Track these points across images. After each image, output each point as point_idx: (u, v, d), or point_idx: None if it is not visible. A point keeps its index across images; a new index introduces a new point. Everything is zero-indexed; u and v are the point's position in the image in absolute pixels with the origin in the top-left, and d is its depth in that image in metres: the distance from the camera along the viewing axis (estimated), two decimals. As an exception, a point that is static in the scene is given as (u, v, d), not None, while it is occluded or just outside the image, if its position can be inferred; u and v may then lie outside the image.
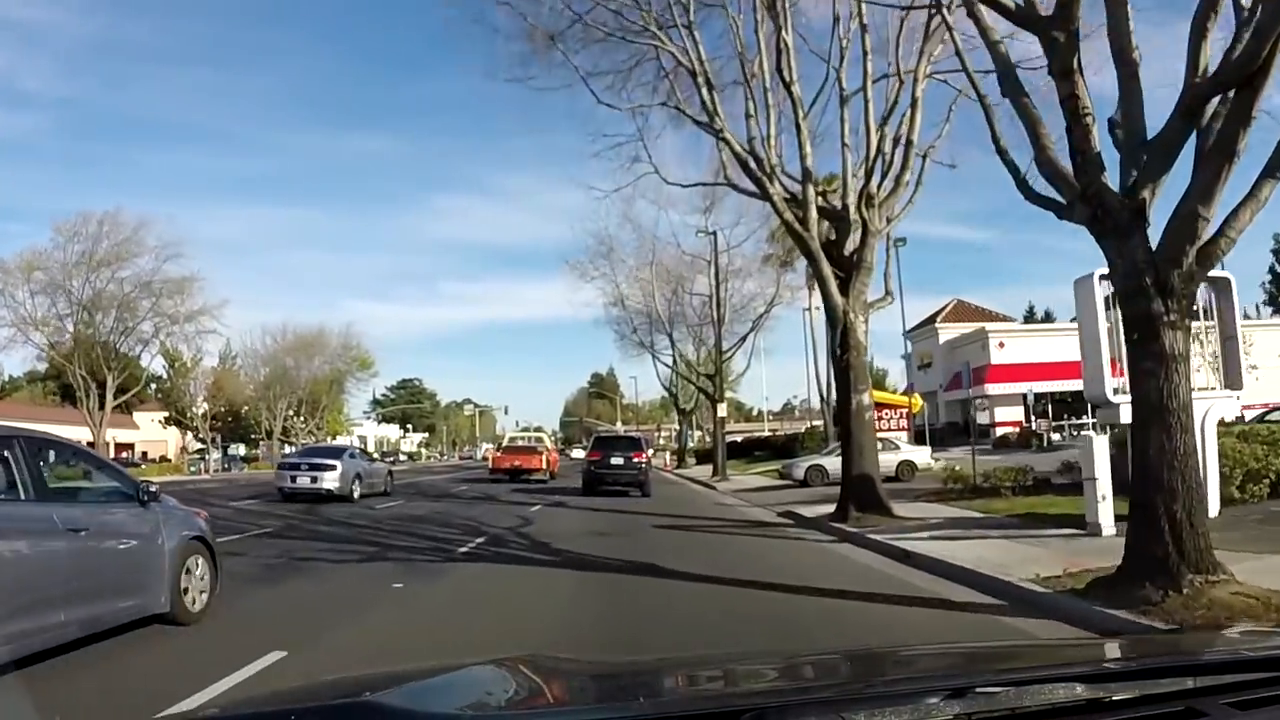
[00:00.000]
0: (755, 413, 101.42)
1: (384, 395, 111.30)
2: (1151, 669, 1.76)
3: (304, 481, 23.34)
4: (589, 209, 69.11)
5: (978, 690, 1.56)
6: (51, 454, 6.60)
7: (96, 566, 6.08)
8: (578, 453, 60.66)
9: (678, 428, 70.33)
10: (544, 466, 34.46)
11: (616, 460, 25.80)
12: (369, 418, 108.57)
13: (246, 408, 69.89)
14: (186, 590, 7.11)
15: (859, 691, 1.66)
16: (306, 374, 71.87)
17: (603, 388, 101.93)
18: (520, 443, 39.15)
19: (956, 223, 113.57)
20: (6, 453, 5.70)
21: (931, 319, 51.07)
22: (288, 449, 65.45)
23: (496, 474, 34.35)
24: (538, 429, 58.78)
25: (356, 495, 23.85)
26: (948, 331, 49.25)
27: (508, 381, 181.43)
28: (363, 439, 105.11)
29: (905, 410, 34.59)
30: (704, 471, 40.88)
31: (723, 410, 39.37)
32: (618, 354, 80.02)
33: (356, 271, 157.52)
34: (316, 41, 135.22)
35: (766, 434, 69.26)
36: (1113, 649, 2.06)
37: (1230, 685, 1.60)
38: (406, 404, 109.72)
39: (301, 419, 73.35)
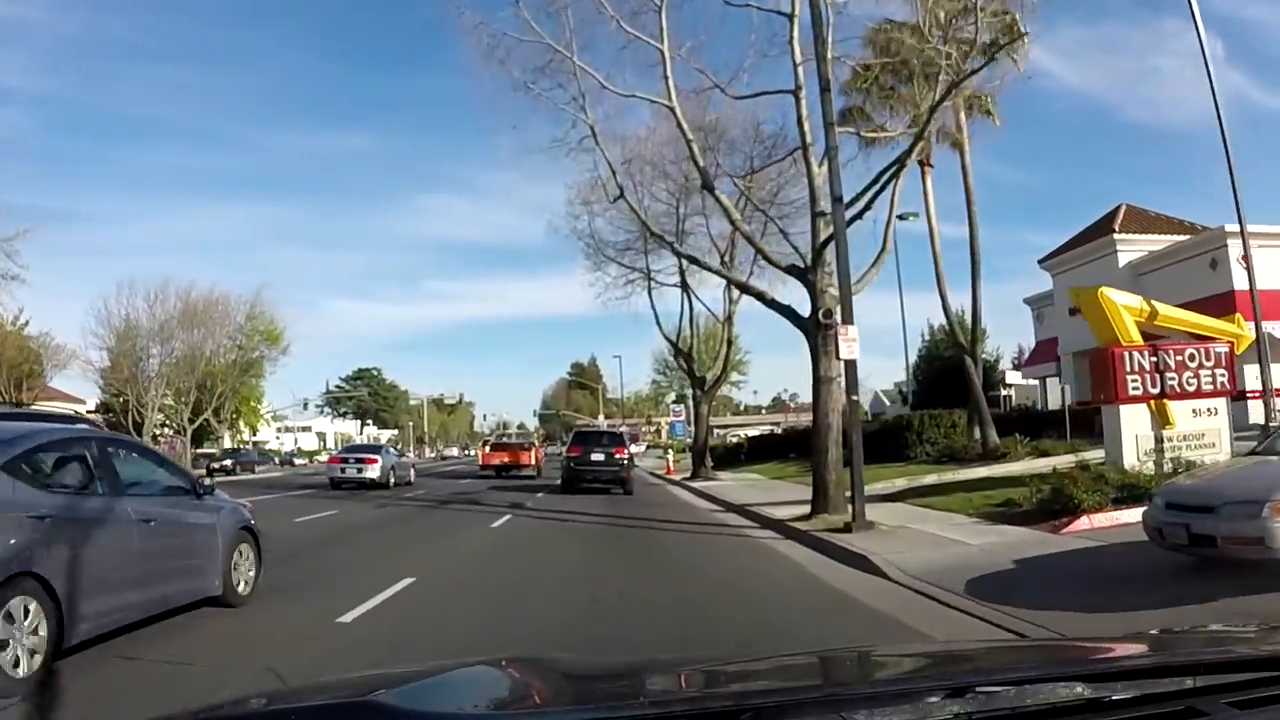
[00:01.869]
0: (742, 407, 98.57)
1: (338, 386, 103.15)
2: (1151, 669, 1.76)
3: (351, 472, 28.57)
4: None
5: (978, 690, 1.57)
6: (121, 451, 7.17)
7: (162, 553, 6.82)
8: (558, 449, 57.67)
9: (683, 414, 47.96)
10: (530, 462, 35.37)
11: (597, 456, 25.22)
12: (321, 411, 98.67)
13: (151, 395, 52.89)
14: (236, 574, 7.86)
15: (859, 691, 1.66)
16: (209, 351, 55.24)
17: (583, 377, 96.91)
18: (507, 440, 40.05)
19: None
20: (85, 452, 6.44)
21: (1098, 230, 32.97)
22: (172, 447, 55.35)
23: (485, 469, 35.68)
24: (520, 426, 58.12)
25: (391, 483, 28.91)
26: (1131, 248, 31.12)
27: (485, 378, 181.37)
28: (321, 435, 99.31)
29: (1227, 350, 14.23)
30: (754, 492, 21.96)
31: (851, 347, 13.23)
32: (590, 294, 49.05)
33: (339, 270, 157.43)
34: (296, 39, 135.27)
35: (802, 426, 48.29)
36: (1113, 649, 2.07)
37: (1230, 685, 1.60)
38: (365, 396, 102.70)
39: (183, 407, 54.59)
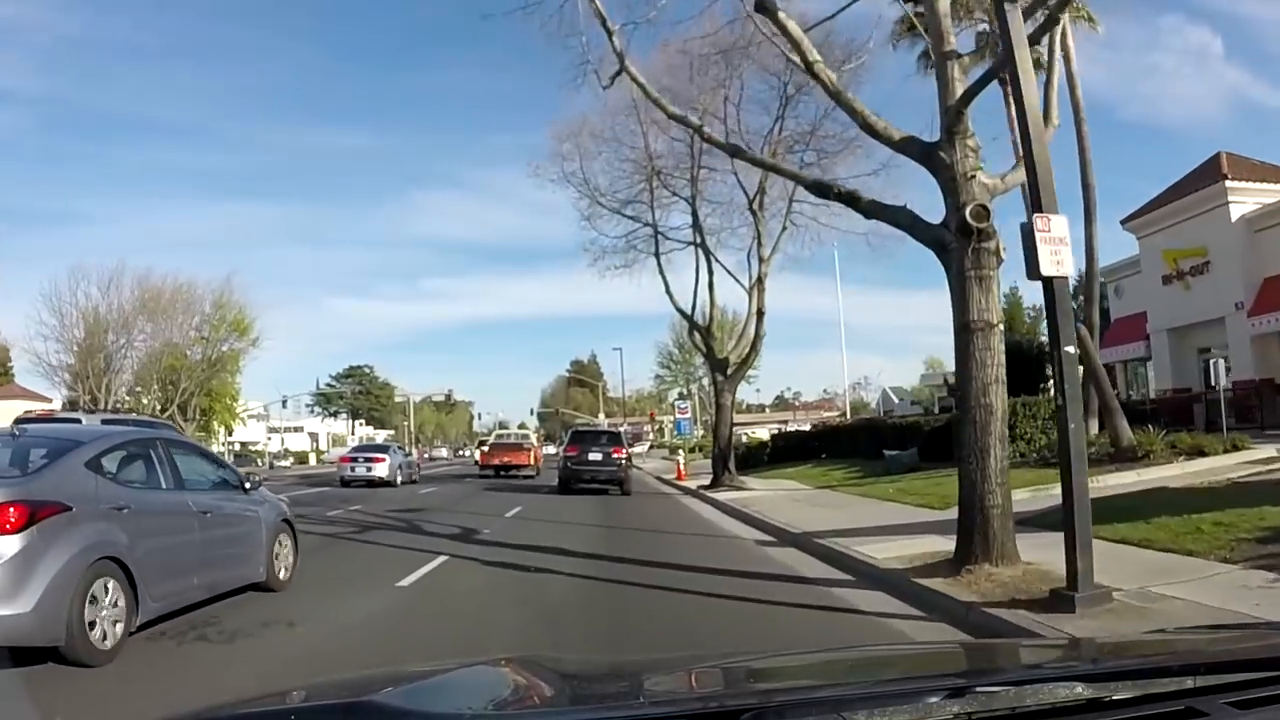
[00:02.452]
0: (745, 406, 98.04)
1: (328, 384, 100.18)
2: (1151, 669, 1.76)
3: (360, 471, 29.44)
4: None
5: (978, 690, 1.57)
6: (181, 450, 7.87)
7: (217, 542, 7.55)
8: (554, 449, 52.96)
9: (688, 411, 44.48)
10: (529, 462, 35.63)
11: (595, 455, 24.96)
12: (311, 411, 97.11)
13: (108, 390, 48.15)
14: (278, 563, 8.62)
15: (859, 691, 1.65)
16: (173, 340, 50.35)
17: (583, 374, 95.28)
18: (505, 440, 40.03)
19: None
20: (151, 451, 7.21)
21: (1201, 179, 26.93)
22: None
23: (484, 470, 36.32)
24: (521, 426, 57.91)
25: (399, 482, 29.73)
26: (1244, 199, 25.69)
27: (483, 376, 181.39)
28: (313, 436, 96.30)
29: None
30: (811, 511, 15.71)
31: (1058, 253, 6.90)
32: (587, 283, 51.98)
33: (337, 268, 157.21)
34: (295, 37, 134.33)
35: (840, 419, 46.77)
36: (1113, 649, 2.07)
37: (1230, 685, 1.60)
38: (352, 394, 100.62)
39: (146, 403, 49.81)
